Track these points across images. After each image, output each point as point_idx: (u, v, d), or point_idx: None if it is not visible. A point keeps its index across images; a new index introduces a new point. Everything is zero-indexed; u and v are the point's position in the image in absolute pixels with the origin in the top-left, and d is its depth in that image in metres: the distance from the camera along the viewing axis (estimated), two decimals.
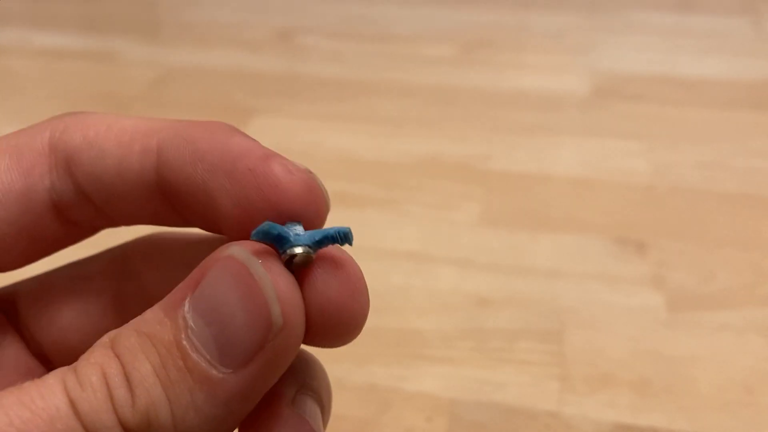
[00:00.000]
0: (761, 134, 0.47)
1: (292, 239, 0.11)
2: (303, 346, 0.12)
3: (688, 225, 0.36)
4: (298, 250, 0.11)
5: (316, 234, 0.12)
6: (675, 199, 0.39)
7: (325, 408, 0.14)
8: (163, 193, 0.13)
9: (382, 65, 0.59)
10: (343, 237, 0.12)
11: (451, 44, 0.63)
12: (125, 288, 0.15)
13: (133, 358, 0.10)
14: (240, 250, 0.11)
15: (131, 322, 0.11)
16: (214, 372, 0.10)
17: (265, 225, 0.11)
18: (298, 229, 0.12)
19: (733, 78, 0.56)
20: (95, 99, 0.53)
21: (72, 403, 0.10)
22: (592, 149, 0.44)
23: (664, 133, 0.47)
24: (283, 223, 0.12)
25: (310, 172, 0.12)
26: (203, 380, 0.10)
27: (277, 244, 0.11)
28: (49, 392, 0.10)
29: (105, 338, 0.11)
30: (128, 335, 0.11)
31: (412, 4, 0.75)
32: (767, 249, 0.34)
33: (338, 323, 0.12)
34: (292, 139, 0.46)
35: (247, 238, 0.12)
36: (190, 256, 0.14)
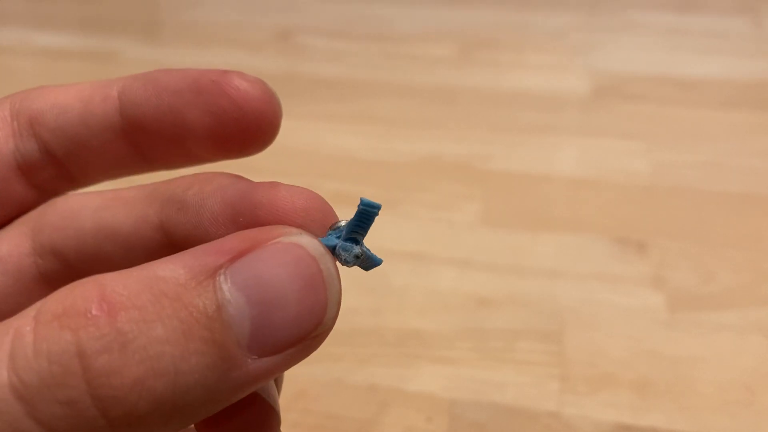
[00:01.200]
0: (761, 134, 0.47)
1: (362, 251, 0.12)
2: None
3: (688, 225, 0.36)
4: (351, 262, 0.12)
5: (367, 252, 0.12)
6: (675, 198, 0.39)
7: (277, 377, 0.14)
8: (128, 135, 0.14)
9: (382, 65, 0.59)
10: (371, 264, 0.12)
11: (451, 44, 0.63)
12: (46, 264, 0.14)
13: (140, 317, 0.09)
14: (313, 243, 0.10)
15: (125, 272, 0.09)
16: (239, 353, 0.09)
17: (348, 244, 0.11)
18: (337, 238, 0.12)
19: (732, 78, 0.56)
20: None
21: (15, 377, 0.08)
22: (592, 149, 0.44)
23: (664, 132, 0.47)
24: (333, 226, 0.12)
25: (263, 80, 0.13)
26: (225, 359, 0.09)
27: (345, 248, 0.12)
28: None
29: (85, 285, 0.09)
30: (136, 289, 0.09)
31: (412, 4, 0.75)
32: (766, 248, 0.34)
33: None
34: (292, 139, 0.46)
35: (218, 154, 0.13)
36: (102, 220, 0.14)
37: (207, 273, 0.09)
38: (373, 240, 0.39)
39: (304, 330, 0.10)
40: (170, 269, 0.09)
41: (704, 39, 0.64)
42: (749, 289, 0.31)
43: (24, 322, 0.09)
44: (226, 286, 0.09)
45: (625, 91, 0.53)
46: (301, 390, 0.26)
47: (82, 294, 0.09)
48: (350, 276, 0.30)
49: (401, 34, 0.66)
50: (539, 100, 0.52)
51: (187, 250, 0.10)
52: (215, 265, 0.10)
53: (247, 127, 0.13)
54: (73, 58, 0.61)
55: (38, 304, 0.09)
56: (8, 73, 0.57)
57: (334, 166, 0.42)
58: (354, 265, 0.12)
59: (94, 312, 0.09)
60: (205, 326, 0.09)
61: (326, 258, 0.10)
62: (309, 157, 0.43)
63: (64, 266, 0.14)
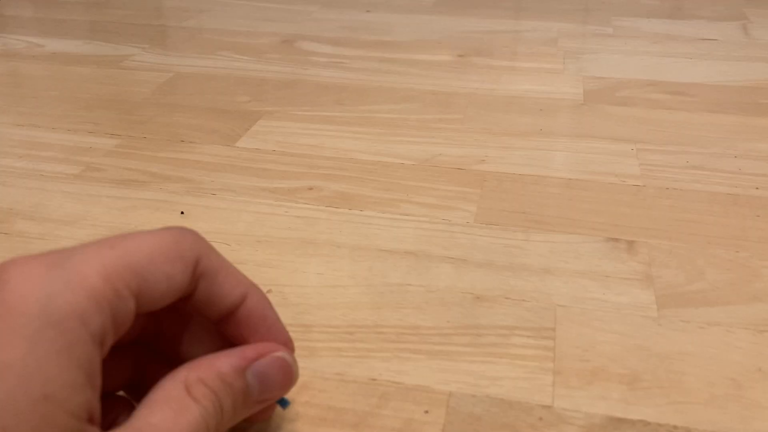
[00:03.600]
0: (748, 137, 0.47)
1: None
2: None
3: (677, 225, 0.37)
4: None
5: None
6: (664, 199, 0.39)
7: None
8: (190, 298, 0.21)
9: (382, 71, 0.59)
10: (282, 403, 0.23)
11: (449, 51, 0.64)
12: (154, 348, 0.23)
13: (224, 395, 0.20)
14: (289, 356, 0.22)
15: (211, 367, 0.20)
16: (255, 399, 0.21)
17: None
18: None
19: (721, 82, 0.56)
20: (105, 102, 0.53)
21: (205, 416, 0.19)
22: (584, 152, 0.45)
23: (653, 135, 0.47)
24: None
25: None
26: (250, 403, 0.21)
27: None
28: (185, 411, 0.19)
29: (209, 374, 0.20)
30: (216, 380, 0.20)
31: (411, 13, 0.75)
32: (753, 247, 0.35)
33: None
34: (295, 141, 0.46)
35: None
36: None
37: (241, 369, 0.20)
38: (372, 239, 0.40)
39: (284, 389, 0.22)
40: (226, 365, 0.20)
41: (693, 45, 0.65)
42: (736, 287, 0.32)
43: (185, 394, 0.20)
44: (249, 376, 0.21)
45: (616, 96, 0.54)
46: (303, 383, 0.26)
47: (209, 378, 0.20)
48: (351, 276, 0.31)
49: (400, 42, 0.66)
50: (533, 104, 0.52)
51: (232, 352, 0.21)
52: (244, 365, 0.21)
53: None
54: (83, 63, 0.61)
55: None
56: (19, 77, 0.57)
57: (335, 167, 0.43)
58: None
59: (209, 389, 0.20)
60: (240, 391, 0.20)
61: (294, 362, 0.22)
62: (311, 159, 0.44)
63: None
